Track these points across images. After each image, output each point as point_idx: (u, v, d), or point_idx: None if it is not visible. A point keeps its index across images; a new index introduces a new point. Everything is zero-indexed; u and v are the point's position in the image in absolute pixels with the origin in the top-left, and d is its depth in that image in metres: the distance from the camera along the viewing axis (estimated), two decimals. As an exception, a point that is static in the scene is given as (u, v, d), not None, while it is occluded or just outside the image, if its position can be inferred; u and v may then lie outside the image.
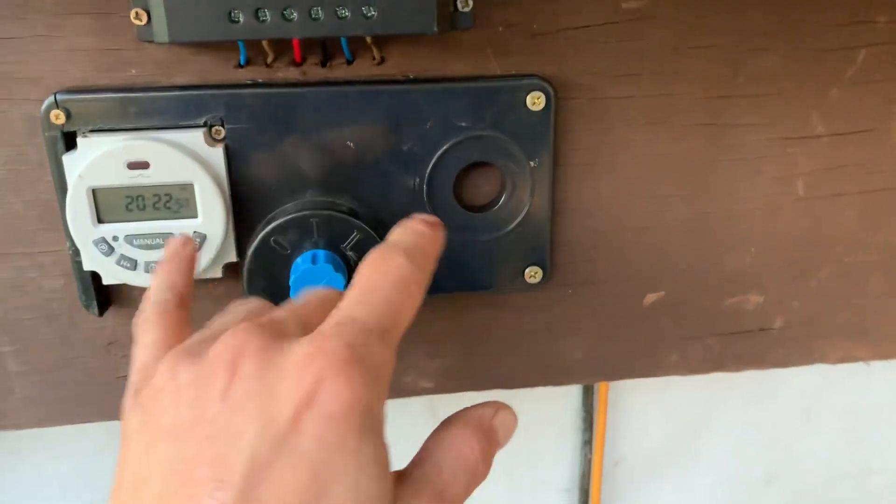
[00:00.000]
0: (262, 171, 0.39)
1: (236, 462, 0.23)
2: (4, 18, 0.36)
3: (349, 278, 0.39)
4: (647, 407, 0.64)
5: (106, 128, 0.37)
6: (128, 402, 0.27)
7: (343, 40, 0.37)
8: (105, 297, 0.41)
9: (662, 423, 0.65)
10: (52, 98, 0.37)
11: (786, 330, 0.48)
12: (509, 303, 0.45)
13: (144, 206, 0.37)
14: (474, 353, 0.46)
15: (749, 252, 0.46)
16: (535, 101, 0.39)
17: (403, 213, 0.40)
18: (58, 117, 0.37)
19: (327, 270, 0.37)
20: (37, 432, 0.48)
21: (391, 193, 0.40)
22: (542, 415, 0.62)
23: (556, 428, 0.63)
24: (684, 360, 0.48)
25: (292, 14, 0.34)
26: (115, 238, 0.37)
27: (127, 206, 0.37)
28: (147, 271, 0.38)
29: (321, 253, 0.38)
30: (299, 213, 0.39)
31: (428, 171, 0.40)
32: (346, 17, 0.35)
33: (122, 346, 0.43)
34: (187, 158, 0.37)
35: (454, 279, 0.43)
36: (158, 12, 0.34)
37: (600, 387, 0.61)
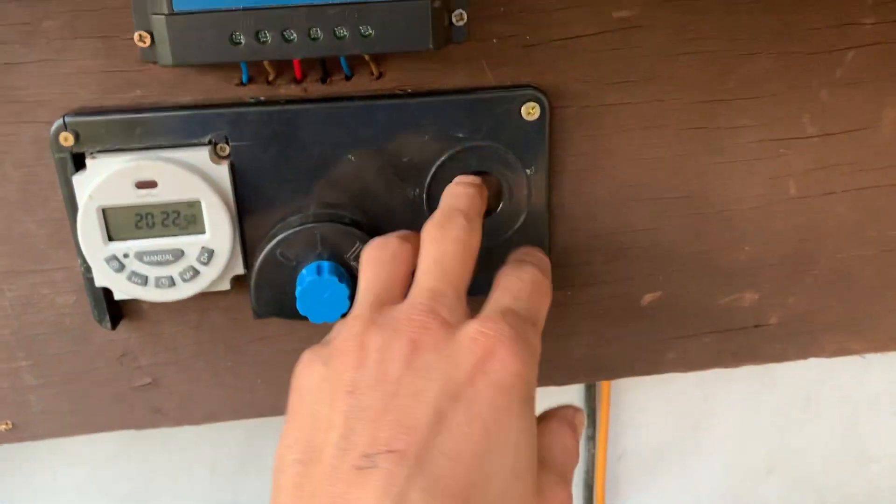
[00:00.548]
0: (267, 186, 0.40)
1: (421, 412, 0.26)
2: (12, 44, 0.37)
3: (353, 288, 0.40)
4: (649, 402, 0.65)
5: (113, 148, 0.38)
6: (308, 356, 0.31)
7: (342, 58, 0.38)
8: (117, 311, 0.42)
9: (664, 416, 0.66)
10: (60, 120, 0.38)
11: (781, 326, 0.49)
12: (510, 306, 0.46)
13: (153, 224, 0.38)
14: (477, 356, 0.47)
15: (744, 251, 0.47)
16: (530, 111, 0.40)
17: (404, 223, 0.42)
18: (67, 139, 0.38)
19: (332, 282, 0.39)
20: (51, 439, 0.50)
21: (392, 204, 0.41)
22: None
23: (560, 424, 0.64)
24: (682, 357, 0.49)
25: (292, 35, 0.35)
26: (126, 255, 0.38)
27: (136, 224, 0.38)
28: (158, 287, 0.39)
29: (326, 264, 0.39)
30: (303, 226, 0.40)
31: (427, 181, 0.41)
32: (345, 36, 0.36)
33: (135, 357, 0.44)
34: (194, 176, 0.38)
35: (456, 285, 0.44)
36: (161, 36, 0.35)
37: (602, 383, 0.62)
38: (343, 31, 0.35)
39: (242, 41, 0.35)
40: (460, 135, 0.40)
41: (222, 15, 0.35)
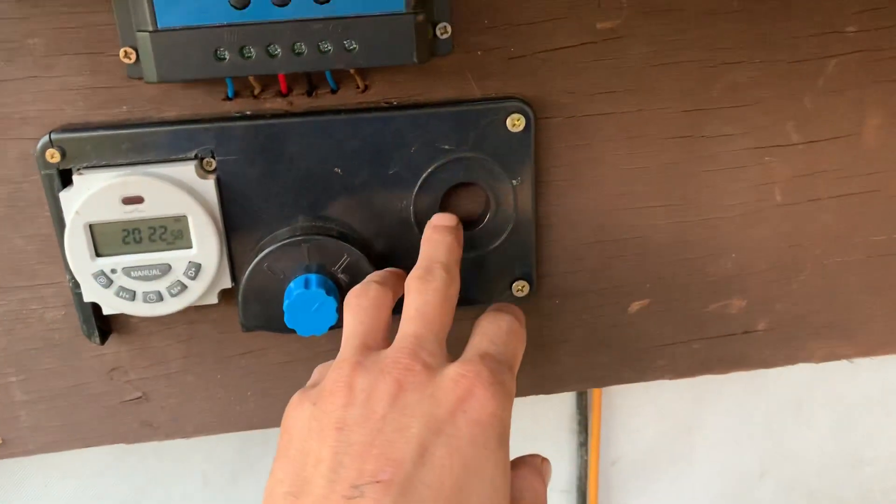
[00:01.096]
0: (254, 200, 0.40)
1: (405, 447, 0.28)
2: (-2, 61, 0.38)
3: (341, 300, 0.40)
4: (641, 407, 0.65)
5: (100, 164, 0.38)
6: (297, 398, 0.32)
7: (327, 71, 0.39)
8: (106, 325, 0.43)
9: (656, 422, 0.66)
10: (47, 137, 0.38)
11: (770, 332, 0.49)
12: (499, 316, 0.46)
13: (140, 239, 0.38)
14: (467, 366, 0.47)
15: (730, 258, 0.47)
16: (516, 122, 0.40)
17: (392, 236, 0.42)
18: (53, 156, 0.38)
19: (319, 294, 0.39)
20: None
21: (380, 216, 0.41)
22: (538, 418, 0.63)
23: (552, 431, 0.64)
24: (671, 364, 0.49)
25: (276, 50, 0.36)
26: (114, 270, 0.39)
27: (123, 240, 0.38)
28: (146, 301, 0.39)
29: (313, 277, 0.39)
30: (291, 239, 0.40)
31: (414, 193, 0.41)
32: (329, 50, 0.36)
33: (124, 372, 0.44)
34: (180, 191, 0.38)
35: (444, 295, 0.44)
36: (146, 52, 0.35)
37: (594, 389, 0.62)
38: (327, 46, 0.36)
39: (227, 57, 0.35)
40: (446, 146, 0.41)
41: (206, 31, 0.35)
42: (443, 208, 0.42)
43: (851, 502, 0.71)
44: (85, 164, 0.38)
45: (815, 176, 0.46)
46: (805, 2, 0.42)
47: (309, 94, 0.40)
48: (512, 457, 0.33)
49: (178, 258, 0.39)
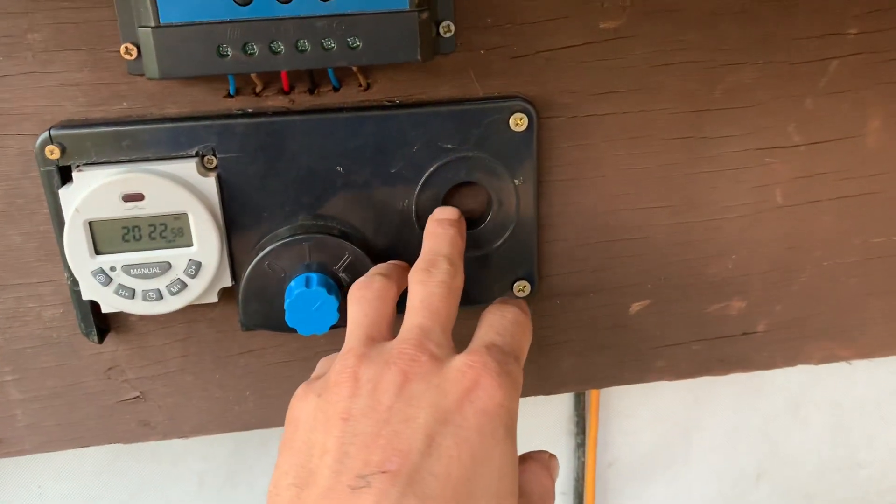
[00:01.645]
0: (255, 198, 0.40)
1: (412, 437, 0.28)
2: (-4, 56, 0.37)
3: (343, 299, 0.40)
4: (638, 409, 0.65)
5: (100, 161, 0.38)
6: (303, 389, 0.32)
7: (330, 69, 0.38)
8: (104, 324, 0.42)
9: (653, 423, 0.66)
10: (46, 133, 0.38)
11: (769, 333, 0.49)
12: (499, 316, 0.46)
13: (140, 237, 0.38)
14: (467, 366, 0.47)
15: (731, 259, 0.47)
16: (518, 121, 0.40)
17: (394, 235, 0.42)
18: (52, 152, 0.38)
19: (321, 293, 0.38)
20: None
21: (381, 215, 0.41)
22: (535, 419, 0.63)
23: (549, 432, 0.64)
24: (671, 365, 0.49)
25: (279, 47, 0.35)
26: (113, 268, 0.38)
27: (123, 237, 0.38)
28: (145, 300, 0.39)
29: (314, 276, 0.39)
30: (292, 238, 0.40)
31: (416, 192, 0.41)
32: (332, 48, 0.36)
33: (122, 371, 0.44)
34: (181, 189, 0.38)
35: (445, 295, 0.44)
36: (148, 49, 0.35)
37: (592, 391, 0.62)
38: (330, 43, 0.35)
39: (229, 53, 0.35)
40: (448, 146, 0.40)
41: (209, 27, 0.35)
42: (444, 207, 0.42)
43: (848, 504, 0.71)
44: (85, 161, 0.38)
45: (816, 177, 0.46)
46: (807, 4, 0.42)
47: (311, 91, 0.40)
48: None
49: (178, 256, 0.38)
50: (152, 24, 0.34)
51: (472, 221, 0.43)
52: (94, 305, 0.41)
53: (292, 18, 0.35)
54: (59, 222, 0.38)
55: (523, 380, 0.46)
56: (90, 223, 0.38)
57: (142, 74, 0.37)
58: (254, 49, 0.35)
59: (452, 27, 0.38)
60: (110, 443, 0.46)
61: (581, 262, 0.45)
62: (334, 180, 0.40)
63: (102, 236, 0.38)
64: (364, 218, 0.41)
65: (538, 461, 0.34)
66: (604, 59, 0.41)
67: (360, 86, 0.40)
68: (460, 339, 0.35)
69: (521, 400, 0.49)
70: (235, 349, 0.44)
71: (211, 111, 0.39)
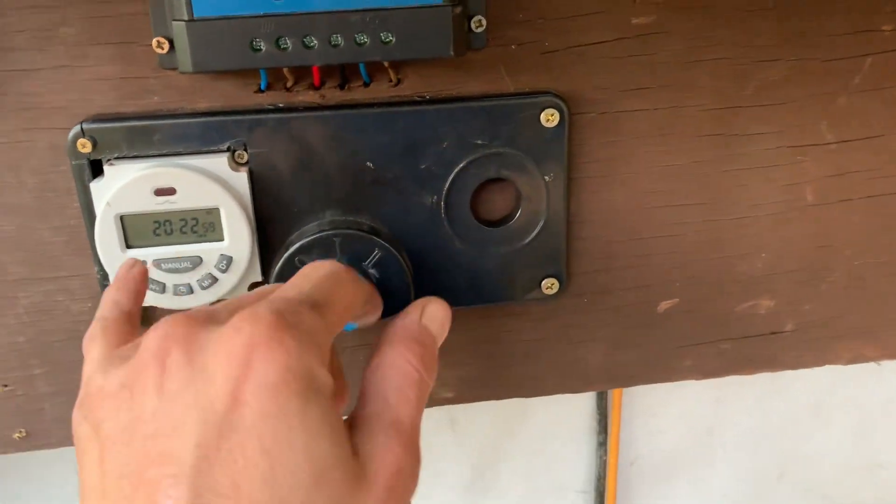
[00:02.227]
0: (285, 193, 0.40)
1: (183, 453, 0.23)
2: (28, 50, 0.37)
3: (372, 295, 0.40)
4: (661, 407, 0.65)
5: (131, 155, 0.38)
6: (75, 415, 0.27)
7: (361, 64, 0.38)
8: (132, 318, 0.42)
9: (675, 422, 0.66)
10: (78, 127, 0.38)
11: (797, 333, 0.49)
12: (527, 313, 0.46)
13: (171, 231, 0.38)
14: (493, 363, 0.47)
15: (760, 258, 0.47)
16: (549, 117, 0.40)
17: (423, 230, 0.42)
18: (84, 146, 0.38)
19: (351, 289, 0.38)
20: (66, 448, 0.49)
21: (410, 211, 0.41)
22: (558, 418, 0.63)
23: (572, 430, 0.64)
24: (698, 364, 0.49)
25: (312, 41, 0.35)
26: (144, 262, 0.38)
27: (154, 231, 0.38)
28: (176, 294, 0.39)
29: (344, 272, 0.39)
30: (322, 233, 0.39)
31: (446, 188, 0.41)
32: (365, 43, 0.35)
33: (150, 365, 0.44)
34: (212, 183, 0.37)
35: (473, 292, 0.43)
36: (182, 42, 0.35)
37: (614, 390, 0.62)
38: (364, 38, 0.35)
39: (263, 48, 0.35)
40: (479, 142, 0.40)
41: (243, 21, 0.35)
42: (473, 204, 0.42)
43: (870, 506, 0.71)
44: (116, 155, 0.38)
45: (848, 176, 0.45)
46: (841, 0, 0.41)
47: (341, 87, 0.40)
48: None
49: (209, 251, 0.38)
50: (186, 17, 0.34)
51: (501, 219, 0.43)
52: (124, 300, 0.41)
53: (326, 13, 0.35)
54: (89, 216, 0.39)
55: (548, 378, 0.46)
56: (121, 217, 0.38)
57: (173, 69, 0.37)
58: (287, 43, 0.35)
59: (484, 22, 0.38)
60: (137, 437, 0.46)
61: (610, 259, 0.45)
62: (364, 176, 0.40)
63: (134, 230, 0.38)
64: (393, 214, 0.41)
65: (395, 342, 0.27)
66: (635, 54, 0.41)
67: (391, 81, 0.40)
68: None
69: (544, 399, 0.49)
70: (263, 344, 0.44)
71: (242, 106, 0.39)
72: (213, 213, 0.38)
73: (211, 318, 0.25)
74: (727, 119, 0.43)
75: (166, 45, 0.36)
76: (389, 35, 0.35)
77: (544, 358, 0.47)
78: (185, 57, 0.35)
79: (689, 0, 0.40)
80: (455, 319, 0.45)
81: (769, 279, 0.47)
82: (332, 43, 0.35)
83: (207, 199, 0.38)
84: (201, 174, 0.37)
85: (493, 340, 0.46)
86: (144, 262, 0.36)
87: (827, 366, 0.50)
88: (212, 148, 0.38)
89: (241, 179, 0.38)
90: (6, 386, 0.43)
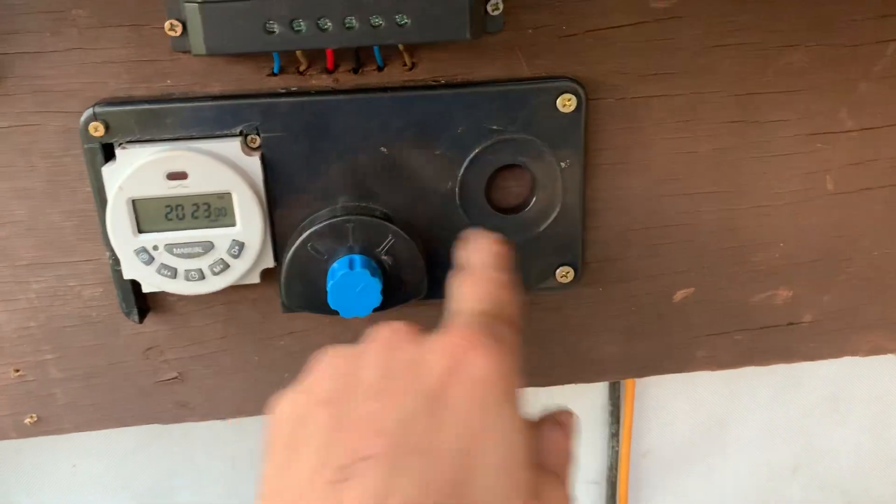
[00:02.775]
0: (298, 178, 0.39)
1: (392, 414, 0.25)
2: (41, 33, 0.37)
3: (385, 282, 0.40)
4: (674, 399, 0.64)
5: (144, 138, 0.38)
6: (286, 392, 0.29)
7: (375, 48, 0.38)
8: (144, 304, 0.42)
9: (689, 414, 0.65)
10: (90, 110, 0.37)
11: (815, 324, 0.48)
12: (541, 302, 0.45)
13: (183, 216, 0.38)
14: (506, 352, 0.46)
15: (778, 247, 0.46)
16: (566, 102, 0.39)
17: (437, 217, 0.41)
18: (97, 129, 0.37)
19: (364, 275, 0.38)
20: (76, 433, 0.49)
21: (424, 197, 0.41)
22: (570, 408, 0.63)
23: (584, 421, 0.63)
24: (714, 355, 0.48)
25: (327, 24, 0.35)
26: (156, 247, 0.38)
27: (166, 216, 0.38)
28: (188, 280, 0.39)
29: (358, 258, 0.39)
30: (336, 219, 0.39)
31: (460, 174, 0.40)
32: (380, 25, 0.35)
33: (161, 351, 0.44)
34: (225, 168, 0.37)
35: (486, 280, 0.43)
36: (195, 24, 0.35)
37: (627, 380, 0.61)
38: (378, 21, 0.35)
39: (276, 30, 0.35)
40: (494, 127, 0.40)
41: (257, 3, 0.34)
42: (488, 190, 0.41)
43: (886, 501, 0.70)
44: (128, 139, 0.38)
45: (868, 164, 0.45)
46: (865, -16, 0.41)
47: (355, 71, 0.39)
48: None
49: (221, 236, 0.38)
50: (199, -1, 0.34)
51: (515, 206, 0.42)
52: (135, 285, 0.40)
53: (340, -6, 0.34)
54: (101, 200, 0.38)
55: (561, 368, 0.45)
56: (133, 201, 0.37)
57: (186, 51, 0.37)
58: (301, 26, 0.35)
59: (501, 5, 0.37)
60: (148, 423, 0.46)
61: (626, 248, 0.44)
62: (378, 161, 0.40)
63: (146, 215, 0.38)
64: (407, 200, 0.41)
65: (551, 421, 0.31)
66: (655, 39, 0.40)
67: (405, 65, 0.39)
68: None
69: (556, 389, 0.48)
70: (276, 331, 0.44)
71: (255, 90, 0.39)
72: (226, 197, 0.38)
73: (422, 334, 0.29)
74: (747, 105, 0.42)
75: (179, 28, 0.36)
76: (405, 17, 0.35)
77: (558, 348, 0.47)
78: (197, 39, 0.35)
79: (709, -16, 0.40)
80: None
81: (787, 269, 0.46)
82: (347, 25, 0.35)
83: (220, 184, 0.37)
84: (214, 158, 0.37)
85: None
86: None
87: (845, 357, 0.50)
88: (224, 132, 0.38)
89: (254, 164, 0.38)
90: (18, 371, 0.43)
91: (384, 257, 0.40)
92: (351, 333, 0.45)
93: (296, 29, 0.35)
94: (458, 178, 0.40)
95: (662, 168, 0.43)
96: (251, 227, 0.38)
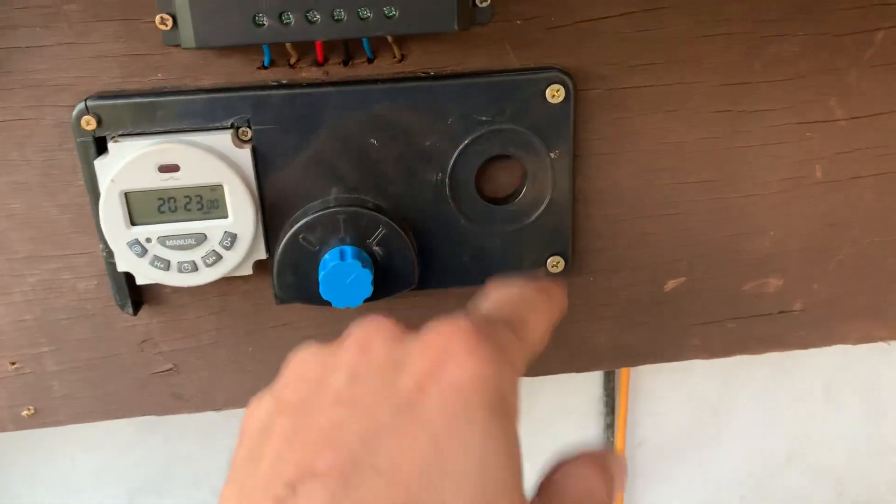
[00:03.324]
0: (289, 170, 0.40)
1: (354, 426, 0.23)
2: (33, 27, 0.37)
3: (376, 273, 0.40)
4: (668, 389, 0.65)
5: (136, 132, 0.38)
6: (261, 395, 0.27)
7: (364, 40, 0.38)
8: (138, 296, 0.42)
9: (683, 404, 0.66)
10: (82, 104, 0.38)
11: (806, 312, 0.49)
12: (532, 292, 0.46)
13: (176, 208, 0.38)
14: (498, 342, 0.47)
15: (768, 236, 0.46)
16: (555, 93, 0.40)
17: (427, 208, 0.41)
18: (89, 123, 0.38)
19: (355, 266, 0.38)
20: (71, 426, 0.50)
21: (415, 188, 0.41)
22: (565, 399, 0.63)
23: (579, 412, 0.64)
24: (705, 344, 0.49)
25: (315, 16, 0.35)
26: (148, 240, 0.38)
27: (159, 209, 0.38)
28: (181, 271, 0.39)
29: (349, 249, 0.39)
30: (327, 210, 0.39)
31: (450, 165, 0.41)
32: (368, 17, 0.35)
33: (156, 343, 0.44)
34: (216, 160, 0.37)
35: (477, 270, 0.43)
36: (185, 18, 0.35)
37: (621, 370, 0.62)
38: (367, 13, 0.35)
39: (266, 23, 0.35)
40: (483, 118, 0.40)
41: (245, -4, 0.34)
42: (478, 181, 0.42)
43: (879, 489, 0.71)
44: (120, 132, 0.38)
45: (857, 153, 0.45)
46: (852, -27, 0.41)
47: (345, 63, 0.39)
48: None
49: (213, 227, 0.38)
50: (189, -8, 0.34)
51: (505, 196, 0.43)
52: (129, 277, 0.41)
53: (329, -13, 0.34)
54: (94, 193, 0.39)
55: (554, 357, 0.45)
56: (126, 194, 0.38)
57: (177, 45, 0.37)
58: (290, 18, 0.35)
59: (489, -3, 0.37)
60: (143, 415, 0.46)
61: (616, 238, 0.45)
62: (368, 153, 0.40)
63: (138, 207, 0.38)
64: (398, 191, 0.41)
65: (584, 456, 0.26)
66: (643, 29, 0.40)
67: (395, 57, 0.39)
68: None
69: (550, 378, 0.49)
70: (269, 322, 0.44)
71: (246, 83, 0.39)
72: (217, 189, 0.38)
73: (414, 327, 0.26)
74: (735, 95, 0.43)
75: (170, 22, 0.36)
76: (393, 9, 0.35)
77: (551, 338, 0.47)
78: (188, 33, 0.35)
79: (696, -26, 0.40)
80: (460, 299, 0.45)
81: (777, 258, 0.47)
82: (335, 18, 0.35)
83: (211, 176, 0.38)
84: (205, 151, 0.37)
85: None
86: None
87: (836, 346, 0.50)
88: (216, 125, 0.38)
89: (245, 156, 0.38)
90: (14, 364, 0.44)
91: (375, 248, 0.40)
92: (343, 324, 0.45)
93: (284, 21, 0.35)
94: (448, 170, 0.41)
95: (651, 158, 0.43)
96: (243, 218, 0.39)
